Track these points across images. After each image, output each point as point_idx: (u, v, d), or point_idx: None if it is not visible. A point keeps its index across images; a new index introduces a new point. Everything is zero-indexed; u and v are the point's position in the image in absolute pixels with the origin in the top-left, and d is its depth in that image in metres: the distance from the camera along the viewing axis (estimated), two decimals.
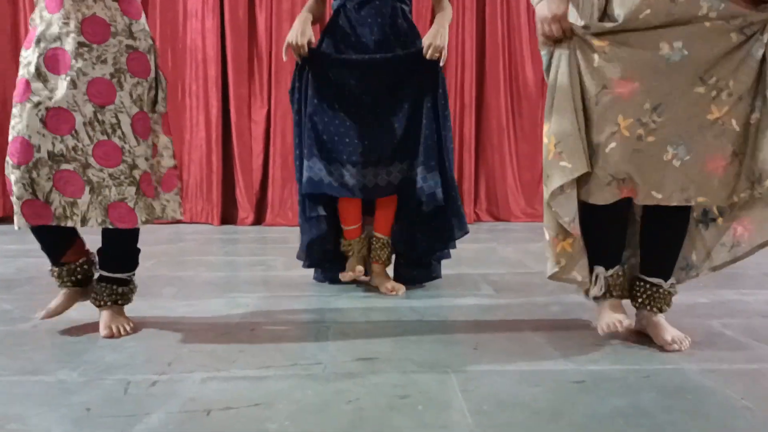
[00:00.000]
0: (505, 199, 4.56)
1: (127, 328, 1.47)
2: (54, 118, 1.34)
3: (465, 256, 2.77)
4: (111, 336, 1.44)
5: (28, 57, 1.37)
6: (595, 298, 1.46)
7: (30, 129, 1.33)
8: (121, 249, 1.52)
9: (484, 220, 4.54)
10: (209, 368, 1.24)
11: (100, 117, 1.36)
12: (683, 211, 1.39)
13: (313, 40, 1.88)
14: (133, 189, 1.40)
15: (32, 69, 1.35)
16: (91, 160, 1.36)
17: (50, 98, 1.34)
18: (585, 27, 1.30)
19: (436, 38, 1.86)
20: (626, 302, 1.51)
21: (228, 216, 4.34)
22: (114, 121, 1.37)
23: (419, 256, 2.05)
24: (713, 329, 1.55)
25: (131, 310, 1.62)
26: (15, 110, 1.35)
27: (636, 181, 1.31)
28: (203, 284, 2.13)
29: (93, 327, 1.52)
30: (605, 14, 1.31)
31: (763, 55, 1.23)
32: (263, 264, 2.56)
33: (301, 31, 1.84)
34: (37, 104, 1.33)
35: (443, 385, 1.15)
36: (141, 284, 2.07)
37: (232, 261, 2.67)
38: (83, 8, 1.35)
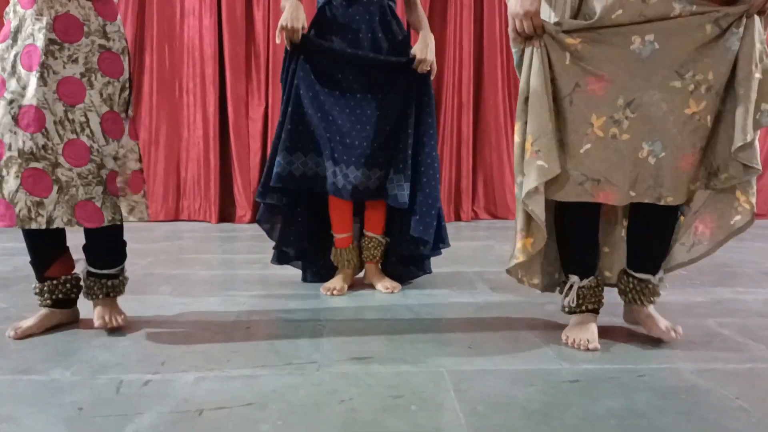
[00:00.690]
0: (502, 197, 4.55)
1: (119, 320, 1.47)
2: (25, 116, 1.32)
3: (461, 255, 2.76)
4: (104, 326, 1.44)
5: (2, 52, 1.35)
6: (569, 310, 1.45)
7: (3, 127, 1.32)
8: (106, 246, 1.50)
9: (481, 218, 4.54)
10: (202, 368, 1.23)
11: (70, 116, 1.35)
12: (671, 207, 1.38)
13: (306, 26, 1.86)
14: (100, 188, 1.39)
15: (6, 65, 1.34)
16: (61, 159, 1.34)
17: (22, 96, 1.32)
18: (557, 24, 1.30)
19: (425, 52, 1.87)
20: (615, 301, 1.51)
21: (226, 214, 4.33)
22: (83, 119, 1.36)
23: (407, 254, 2.04)
24: (709, 329, 1.55)
25: (127, 309, 1.62)
26: None
27: (613, 183, 1.30)
28: (199, 282, 2.12)
29: (85, 326, 1.51)
30: (579, 12, 1.30)
31: (740, 49, 1.22)
32: (260, 262, 2.55)
33: (294, 16, 1.80)
34: (11, 102, 1.32)
35: (437, 385, 1.14)
36: (137, 282, 2.07)
37: (229, 259, 2.67)
38: (56, 5, 1.34)
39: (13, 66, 1.33)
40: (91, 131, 1.37)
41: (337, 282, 1.97)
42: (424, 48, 1.87)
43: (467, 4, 4.45)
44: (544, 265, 1.51)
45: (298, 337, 1.46)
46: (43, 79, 1.32)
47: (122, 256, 1.54)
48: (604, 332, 1.46)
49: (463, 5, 4.44)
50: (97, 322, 1.45)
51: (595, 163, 1.29)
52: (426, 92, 1.95)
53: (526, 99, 1.33)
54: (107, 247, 1.51)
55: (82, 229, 1.45)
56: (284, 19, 1.81)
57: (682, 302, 1.83)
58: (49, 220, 1.35)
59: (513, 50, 1.38)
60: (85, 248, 1.50)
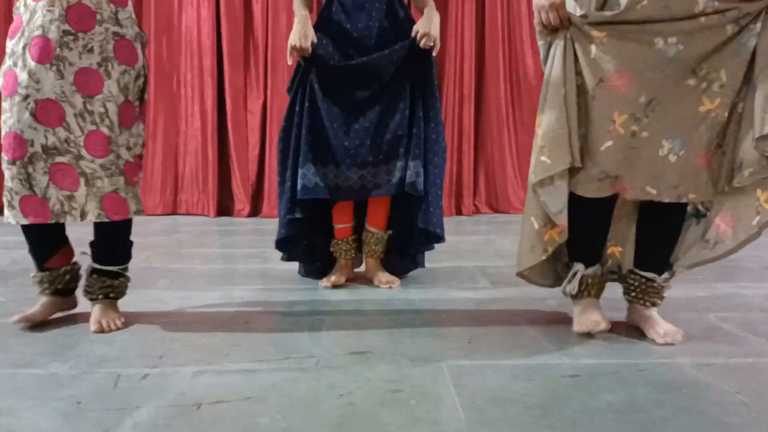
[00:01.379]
0: (504, 190, 4.54)
1: (118, 323, 1.46)
2: (43, 110, 1.31)
3: (462, 249, 2.76)
4: (101, 331, 1.42)
5: (13, 47, 1.35)
6: (572, 296, 1.45)
7: (21, 123, 1.31)
8: (114, 242, 1.50)
9: (483, 212, 4.53)
10: (201, 362, 1.23)
11: (89, 107, 1.34)
12: (680, 207, 1.38)
13: (315, 41, 1.84)
14: (122, 179, 1.39)
15: (17, 60, 1.33)
16: (83, 152, 1.35)
17: (38, 90, 1.32)
18: (583, 16, 1.29)
19: (428, 27, 1.84)
20: (618, 296, 1.50)
21: (224, 207, 4.32)
22: (102, 110, 1.35)
23: (412, 249, 2.03)
24: (711, 323, 1.55)
25: (125, 303, 1.61)
26: (5, 104, 1.33)
27: (629, 178, 1.29)
28: (198, 276, 2.12)
29: (85, 319, 1.51)
30: (605, 3, 1.29)
31: (755, 45, 1.22)
32: (259, 256, 2.55)
33: (303, 34, 1.80)
34: (26, 97, 1.31)
35: (436, 379, 1.14)
36: (135, 276, 2.05)
37: (228, 253, 2.66)
38: None
39: (23, 59, 1.32)
40: (111, 122, 1.37)
41: (335, 275, 1.96)
42: (427, 23, 1.85)
43: None
44: (555, 266, 1.51)
45: (297, 331, 1.46)
46: (59, 72, 1.31)
47: (127, 256, 1.54)
48: (586, 333, 1.45)
49: None
50: (93, 327, 1.43)
51: (615, 160, 1.29)
52: (428, 72, 1.92)
53: (547, 92, 1.33)
54: (115, 243, 1.50)
55: (89, 223, 1.44)
56: (293, 39, 1.81)
57: (684, 297, 1.82)
58: (83, 213, 1.36)
59: (540, 44, 1.37)
60: (92, 244, 1.50)
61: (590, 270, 1.42)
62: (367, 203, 2.04)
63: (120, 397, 1.05)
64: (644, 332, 1.40)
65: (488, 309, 1.68)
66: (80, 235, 1.56)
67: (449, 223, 2.18)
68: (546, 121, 1.31)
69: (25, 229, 1.45)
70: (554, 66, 1.31)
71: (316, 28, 1.93)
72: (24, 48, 1.32)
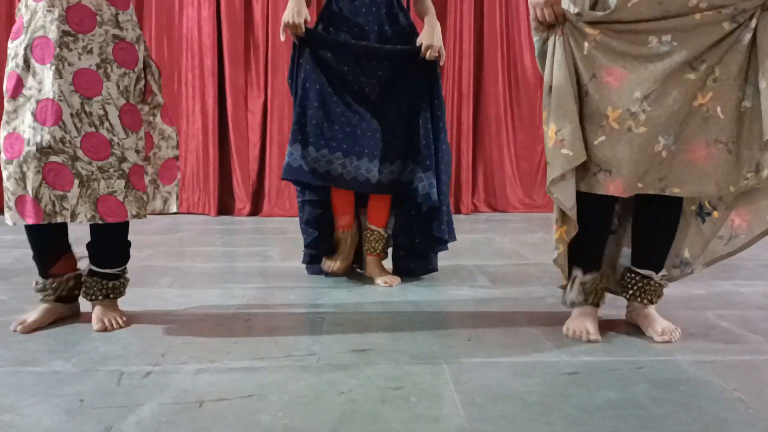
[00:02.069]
0: (503, 189, 4.54)
1: (120, 322, 1.46)
2: (43, 110, 1.32)
3: (461, 247, 2.76)
4: (104, 329, 1.43)
5: (16, 48, 1.35)
6: (571, 305, 1.45)
7: (24, 125, 1.32)
8: (111, 244, 1.49)
9: (481, 211, 4.53)
10: (203, 359, 1.24)
11: (87, 108, 1.34)
12: (675, 205, 1.39)
13: (309, 19, 1.85)
14: (122, 182, 1.38)
15: (20, 61, 1.33)
16: (80, 153, 1.34)
17: (39, 90, 1.32)
18: (577, 14, 1.30)
19: (431, 39, 1.86)
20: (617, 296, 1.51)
21: (225, 206, 4.32)
22: (101, 112, 1.35)
23: (419, 249, 2.04)
24: (708, 321, 1.55)
25: (127, 301, 1.62)
26: (9, 106, 1.33)
27: (623, 174, 1.29)
28: (199, 275, 2.12)
29: (87, 317, 1.51)
30: (597, 3, 1.30)
31: (752, 41, 1.22)
32: (260, 255, 2.55)
33: (297, 11, 1.80)
34: (29, 98, 1.32)
35: (436, 377, 1.15)
36: (136, 275, 2.07)
37: (229, 252, 2.67)
38: None
39: (26, 60, 1.33)
40: (111, 124, 1.36)
41: (337, 258, 1.98)
42: (430, 34, 1.86)
43: None
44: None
45: (298, 329, 1.46)
46: (58, 72, 1.31)
47: (125, 257, 1.53)
48: (604, 325, 1.46)
49: None
50: (96, 325, 1.43)
51: (608, 155, 1.29)
52: (435, 84, 1.94)
53: (551, 88, 1.33)
54: (111, 245, 1.50)
55: (87, 225, 1.45)
56: (286, 16, 1.81)
57: (682, 294, 1.83)
58: (73, 214, 1.35)
59: (534, 39, 1.39)
60: (89, 246, 1.50)
61: (588, 276, 1.43)
62: (365, 201, 2.05)
63: (123, 395, 1.06)
64: (642, 330, 1.41)
65: (488, 307, 1.69)
66: (78, 234, 1.56)
67: None
68: (560, 116, 1.31)
69: (31, 234, 1.45)
70: (557, 63, 1.32)
71: (319, 19, 1.94)
72: (26, 49, 1.33)
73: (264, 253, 2.58)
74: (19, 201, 1.34)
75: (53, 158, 1.33)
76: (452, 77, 4.44)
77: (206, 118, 4.26)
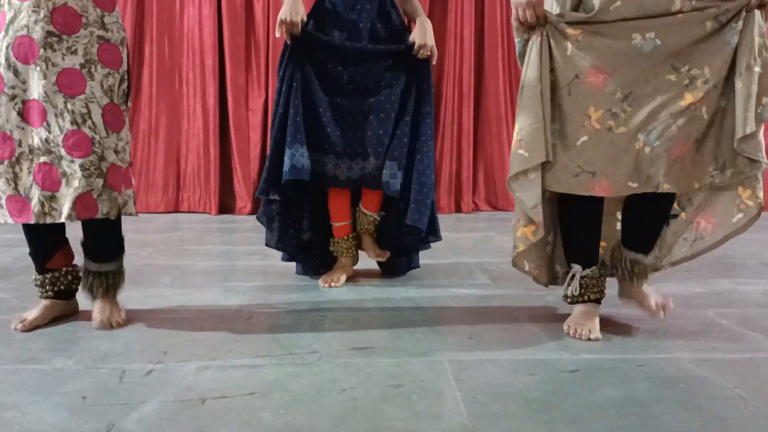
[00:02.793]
0: (503, 188, 4.54)
1: (119, 320, 1.46)
2: (29, 111, 1.32)
3: (462, 246, 2.77)
4: (104, 327, 1.43)
5: None
6: (572, 300, 1.46)
7: (10, 123, 1.32)
8: (104, 240, 1.49)
9: (482, 210, 4.54)
10: (204, 357, 1.24)
11: (69, 107, 1.33)
12: (668, 194, 1.39)
13: (305, 18, 1.85)
14: (100, 181, 1.37)
15: (2, 59, 1.32)
16: (63, 152, 1.33)
17: (24, 90, 1.32)
18: (559, 15, 1.30)
19: (424, 37, 1.86)
20: (616, 293, 1.51)
21: (225, 205, 4.33)
22: (84, 110, 1.34)
23: (402, 246, 2.04)
24: (708, 319, 1.56)
25: (128, 299, 1.62)
26: None
27: (609, 175, 1.30)
28: (200, 273, 2.13)
29: (88, 315, 1.51)
30: (579, 4, 1.31)
31: (737, 44, 1.23)
32: (260, 253, 2.56)
33: (294, 9, 1.79)
34: (13, 97, 1.32)
35: (437, 374, 1.15)
36: (138, 273, 2.07)
37: (230, 250, 2.67)
38: None
39: (7, 58, 1.32)
40: (93, 123, 1.36)
41: (335, 274, 1.97)
42: (423, 33, 1.86)
43: None
44: (552, 263, 1.52)
45: (299, 327, 1.47)
46: (42, 73, 1.31)
47: (120, 249, 1.53)
48: (605, 323, 1.46)
49: None
50: (96, 324, 1.44)
51: (592, 156, 1.30)
52: (425, 80, 1.94)
53: (522, 88, 1.34)
54: (104, 239, 1.50)
55: (80, 224, 1.45)
56: (283, 13, 1.80)
57: (682, 293, 1.83)
58: (61, 214, 1.35)
59: (516, 40, 1.39)
60: (83, 243, 1.50)
61: (587, 271, 1.43)
62: (360, 198, 2.05)
63: (125, 392, 1.06)
64: (637, 306, 1.42)
65: (488, 305, 1.69)
66: (75, 234, 1.56)
67: (449, 220, 2.19)
68: (523, 117, 1.33)
69: (27, 230, 1.45)
70: (530, 63, 1.33)
71: (309, 15, 1.93)
72: (7, 47, 1.32)
73: (265, 252, 2.58)
74: (9, 200, 1.34)
75: (43, 158, 1.33)
76: (453, 76, 4.44)
77: (207, 117, 4.26)
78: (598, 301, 1.46)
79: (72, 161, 1.34)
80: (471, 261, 2.39)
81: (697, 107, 1.26)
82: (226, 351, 1.28)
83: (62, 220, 1.34)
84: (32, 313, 1.46)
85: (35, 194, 1.33)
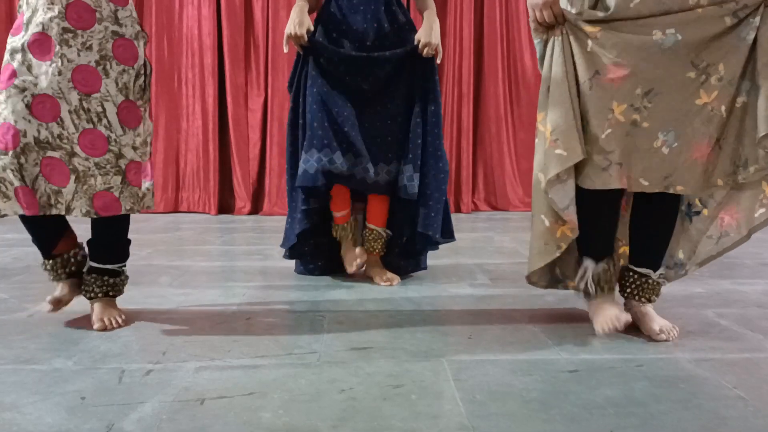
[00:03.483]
0: (503, 188, 4.55)
1: (119, 320, 1.46)
2: (39, 105, 1.32)
3: (461, 246, 2.77)
4: (103, 329, 1.43)
5: (14, 43, 1.35)
6: (585, 295, 1.45)
7: (15, 114, 1.32)
8: (111, 240, 1.50)
9: (482, 210, 4.54)
10: (203, 357, 1.24)
11: (85, 105, 1.34)
12: (672, 202, 1.39)
13: (312, 29, 1.87)
14: (119, 178, 1.38)
15: (18, 55, 1.33)
16: (77, 149, 1.34)
17: (35, 84, 1.32)
18: (577, 14, 1.30)
19: (430, 36, 1.86)
20: (616, 293, 1.51)
21: (225, 205, 4.33)
22: (100, 109, 1.35)
23: (410, 247, 2.05)
24: (708, 319, 1.56)
25: (127, 300, 1.62)
26: (0, 96, 1.34)
27: (630, 167, 1.30)
28: (199, 273, 2.13)
29: (88, 316, 1.51)
30: (597, 2, 1.30)
31: (754, 39, 1.22)
32: (260, 253, 2.56)
33: (299, 22, 1.83)
34: (23, 90, 1.32)
35: (437, 374, 1.15)
36: (137, 273, 2.07)
37: (229, 250, 2.67)
38: None
39: (24, 55, 1.33)
40: (109, 122, 1.36)
41: (350, 255, 1.98)
42: (428, 31, 1.87)
43: None
44: (552, 266, 1.51)
45: (299, 327, 1.47)
46: (58, 69, 1.32)
47: (125, 254, 1.54)
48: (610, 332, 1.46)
49: None
50: (96, 325, 1.43)
51: (618, 147, 1.29)
52: (430, 79, 1.94)
53: (549, 88, 1.33)
54: (113, 240, 1.50)
55: (89, 223, 1.45)
56: (289, 27, 1.83)
57: (682, 293, 1.83)
58: (68, 208, 1.35)
59: (535, 42, 1.39)
60: (90, 242, 1.50)
61: (600, 265, 1.42)
62: (364, 199, 2.05)
63: (124, 393, 1.06)
64: (641, 328, 1.41)
65: (487, 305, 1.69)
66: (80, 233, 1.57)
67: None
68: (555, 116, 1.31)
69: (26, 220, 1.45)
70: (554, 62, 1.32)
71: (316, 23, 1.95)
72: (24, 45, 1.33)
73: (264, 252, 2.58)
74: (17, 192, 1.34)
75: (51, 153, 1.33)
76: (452, 76, 4.44)
77: (206, 116, 4.26)
78: (611, 291, 1.44)
79: (87, 159, 1.35)
80: (470, 261, 2.39)
81: (714, 107, 1.26)
82: (225, 351, 1.28)
83: (77, 215, 1.35)
84: (59, 291, 1.47)
85: (41, 186, 1.34)
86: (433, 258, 2.32)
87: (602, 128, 1.29)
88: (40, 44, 1.32)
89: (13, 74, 1.33)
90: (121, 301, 1.55)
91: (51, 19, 1.32)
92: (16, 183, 1.33)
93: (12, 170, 1.32)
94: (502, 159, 4.55)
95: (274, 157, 4.27)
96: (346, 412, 0.98)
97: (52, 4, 1.33)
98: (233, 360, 1.23)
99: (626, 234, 1.52)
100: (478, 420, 0.96)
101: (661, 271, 1.43)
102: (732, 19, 1.22)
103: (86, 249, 1.52)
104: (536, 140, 1.40)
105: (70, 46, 1.33)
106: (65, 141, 1.34)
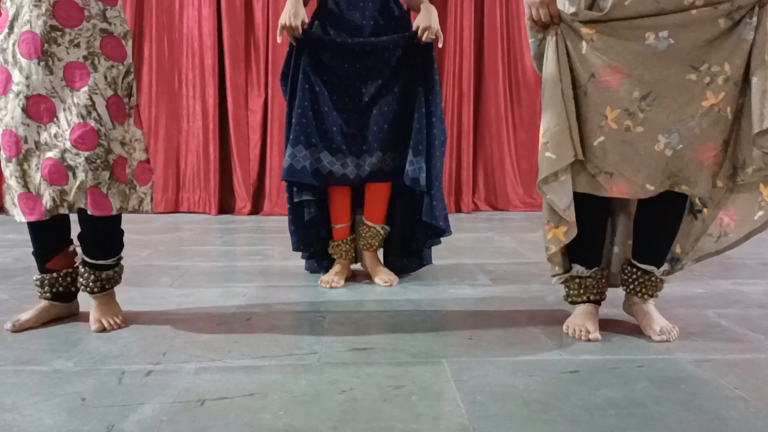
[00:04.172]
0: (503, 188, 4.54)
1: (118, 321, 1.45)
2: (34, 106, 1.32)
3: (462, 246, 2.76)
4: (102, 330, 1.42)
5: (1, 43, 1.34)
6: (572, 301, 1.46)
7: (15, 120, 1.32)
8: (102, 234, 1.47)
9: (482, 210, 4.53)
10: (204, 358, 1.24)
11: (75, 99, 1.33)
12: (679, 199, 1.38)
13: (306, 21, 1.86)
14: (107, 174, 1.37)
15: (8, 56, 1.33)
16: (68, 145, 1.33)
17: (27, 86, 1.32)
18: (573, 14, 1.30)
19: (428, 20, 1.84)
20: (617, 293, 1.51)
21: (225, 205, 4.33)
22: (89, 102, 1.34)
23: (412, 244, 2.04)
24: (708, 319, 1.56)
25: (127, 300, 1.62)
26: None
27: (626, 176, 1.30)
28: (200, 274, 2.13)
29: (85, 318, 1.51)
30: (593, 2, 1.30)
31: (753, 40, 1.22)
32: (260, 254, 2.56)
33: (294, 13, 1.81)
34: (18, 93, 1.32)
35: (437, 375, 1.15)
36: (137, 274, 2.07)
37: (229, 251, 2.67)
38: None
39: (14, 56, 1.32)
40: (99, 115, 1.35)
41: (334, 275, 1.97)
42: (427, 17, 1.85)
43: None
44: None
45: (299, 328, 1.47)
46: (48, 68, 1.31)
47: (119, 247, 1.52)
48: (605, 323, 1.46)
49: None
50: (93, 326, 1.43)
51: (608, 156, 1.30)
52: (430, 66, 1.92)
53: (544, 90, 1.34)
54: (103, 236, 1.48)
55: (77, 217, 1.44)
56: (283, 18, 1.82)
57: (682, 293, 1.83)
58: (71, 206, 1.35)
59: (530, 41, 1.38)
60: (80, 237, 1.48)
61: (589, 272, 1.43)
62: (363, 201, 2.04)
63: (125, 394, 1.06)
64: (641, 328, 1.41)
65: (488, 306, 1.69)
66: (74, 227, 1.56)
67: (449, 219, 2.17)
68: (547, 118, 1.32)
69: (32, 227, 1.45)
70: (548, 63, 1.33)
71: (313, 15, 1.94)
72: (14, 44, 1.32)
73: (264, 252, 2.58)
74: (21, 198, 1.34)
75: (48, 154, 1.33)
76: (452, 76, 4.44)
77: (207, 117, 4.26)
78: (598, 302, 1.45)
79: (77, 154, 1.33)
80: (471, 261, 2.39)
81: (721, 108, 1.26)
82: (225, 352, 1.28)
83: (80, 206, 1.35)
84: (26, 315, 1.45)
85: (46, 191, 1.34)
86: (433, 258, 2.32)
87: (594, 136, 1.30)
88: (27, 43, 1.32)
89: (9, 78, 1.33)
90: (121, 302, 1.55)
91: (38, 17, 1.31)
92: (20, 189, 1.33)
93: (16, 177, 1.33)
94: (502, 159, 4.55)
95: (274, 157, 4.27)
96: (347, 413, 0.98)
97: (39, 2, 1.32)
98: (233, 361, 1.23)
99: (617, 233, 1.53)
100: (479, 421, 0.96)
101: (665, 267, 1.43)
102: (726, 21, 1.22)
103: (80, 271, 1.49)
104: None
105: (59, 45, 1.32)
106: (59, 138, 1.33)
